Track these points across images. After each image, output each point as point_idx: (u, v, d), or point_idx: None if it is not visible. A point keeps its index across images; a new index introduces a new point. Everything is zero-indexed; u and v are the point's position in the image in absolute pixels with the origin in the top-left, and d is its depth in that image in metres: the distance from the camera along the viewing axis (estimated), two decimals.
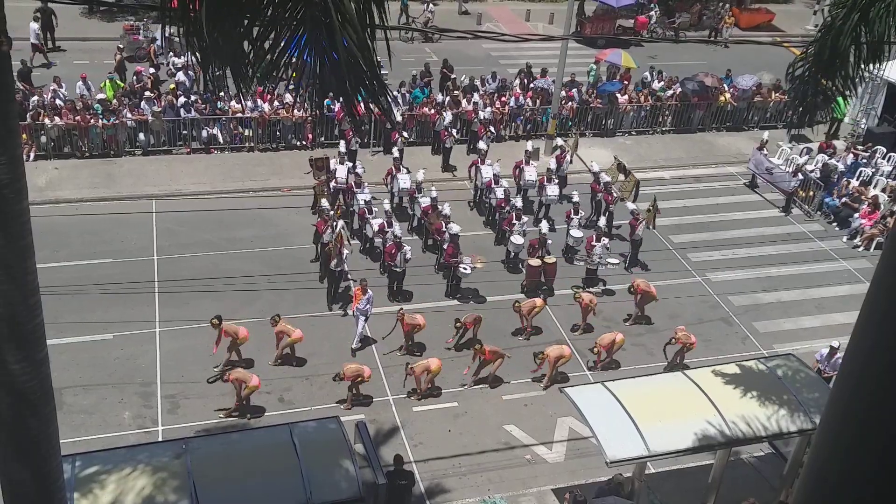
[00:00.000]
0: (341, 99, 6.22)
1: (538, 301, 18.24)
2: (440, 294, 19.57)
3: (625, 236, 21.62)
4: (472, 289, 19.69)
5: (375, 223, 19.88)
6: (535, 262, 19.61)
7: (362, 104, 6.19)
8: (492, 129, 25.38)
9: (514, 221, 20.49)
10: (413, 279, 19.17)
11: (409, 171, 21.79)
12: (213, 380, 16.33)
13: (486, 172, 22.20)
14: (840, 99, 11.47)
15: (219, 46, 5.70)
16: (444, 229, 19.70)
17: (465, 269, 19.13)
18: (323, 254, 19.24)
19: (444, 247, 19.46)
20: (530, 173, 22.52)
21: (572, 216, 20.99)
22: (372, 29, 5.90)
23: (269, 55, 5.97)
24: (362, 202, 20.65)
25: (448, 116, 24.94)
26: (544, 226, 20.31)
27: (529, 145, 23.82)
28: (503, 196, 21.47)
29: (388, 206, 20.36)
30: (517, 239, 20.18)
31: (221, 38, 5.64)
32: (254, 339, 16.74)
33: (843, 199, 24.38)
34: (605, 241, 20.10)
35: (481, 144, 23.56)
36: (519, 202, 21.35)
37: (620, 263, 20.73)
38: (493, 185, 21.85)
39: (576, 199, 21.52)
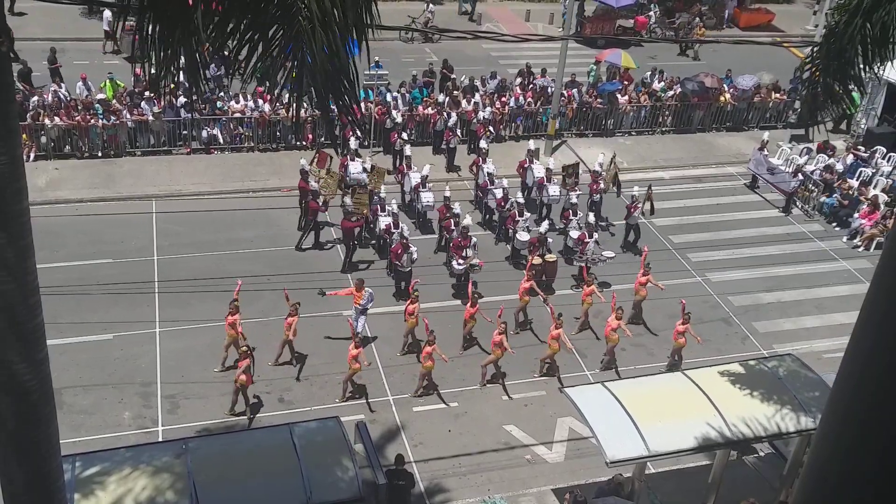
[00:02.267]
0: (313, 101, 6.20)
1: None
2: (445, 294, 19.54)
3: (614, 228, 22.09)
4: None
5: (383, 222, 20.00)
6: (536, 260, 19.67)
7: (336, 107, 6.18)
8: (491, 129, 25.34)
9: (518, 218, 20.54)
10: (419, 279, 19.08)
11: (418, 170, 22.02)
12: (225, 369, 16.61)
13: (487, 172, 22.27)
14: (855, 94, 11.51)
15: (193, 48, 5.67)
16: (452, 227, 19.81)
17: (457, 265, 19.18)
18: (306, 205, 20.72)
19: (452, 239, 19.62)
20: (538, 171, 22.60)
21: (570, 217, 21.00)
22: (361, 29, 5.87)
23: (269, 55, 5.96)
24: (374, 200, 20.72)
25: (452, 117, 24.94)
26: (544, 225, 20.37)
27: (532, 144, 23.85)
28: (502, 195, 21.48)
29: (395, 207, 20.39)
30: (523, 235, 20.27)
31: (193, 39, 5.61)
32: (253, 339, 16.72)
33: (836, 196, 24.35)
34: (596, 236, 20.17)
35: (482, 144, 23.59)
36: (520, 198, 21.35)
37: (616, 255, 20.89)
38: (488, 186, 21.86)
39: (574, 199, 21.54)
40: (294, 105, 6.14)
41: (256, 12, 5.70)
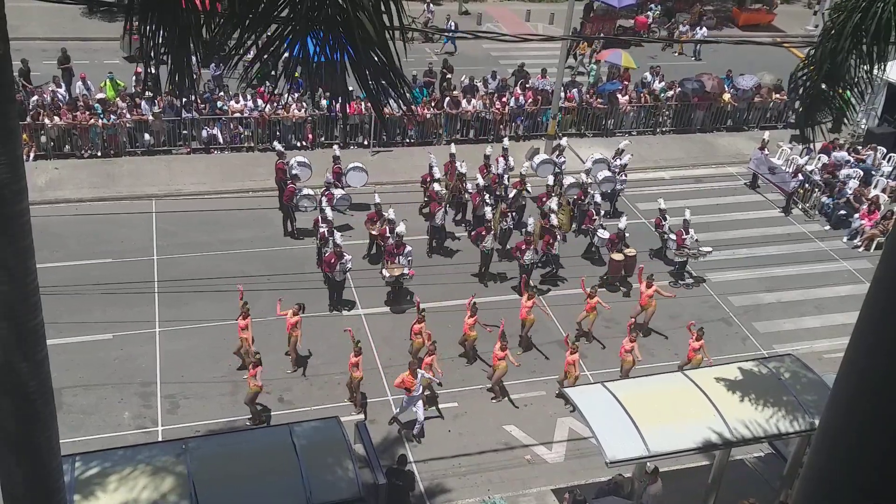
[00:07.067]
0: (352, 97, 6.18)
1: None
2: (435, 297, 19.48)
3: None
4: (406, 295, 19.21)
5: (318, 230, 19.15)
6: (618, 256, 19.90)
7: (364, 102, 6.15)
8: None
9: (595, 217, 20.83)
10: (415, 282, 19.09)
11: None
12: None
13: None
14: (847, 94, 11.43)
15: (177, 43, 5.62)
16: (387, 235, 19.19)
17: (384, 273, 18.72)
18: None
19: (385, 247, 19.09)
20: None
21: (662, 222, 21.08)
22: (391, 28, 5.82)
23: (269, 54, 5.92)
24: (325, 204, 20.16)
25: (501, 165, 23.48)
26: (623, 220, 20.57)
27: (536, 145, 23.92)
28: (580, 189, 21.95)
29: (330, 214, 19.51)
30: (604, 233, 20.47)
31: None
32: (254, 340, 16.71)
33: (839, 200, 24.33)
34: (692, 231, 20.34)
35: (505, 142, 23.41)
36: (598, 197, 21.47)
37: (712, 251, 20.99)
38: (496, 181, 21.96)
39: (662, 205, 21.27)
40: (337, 103, 6.10)
41: (266, 12, 5.64)
